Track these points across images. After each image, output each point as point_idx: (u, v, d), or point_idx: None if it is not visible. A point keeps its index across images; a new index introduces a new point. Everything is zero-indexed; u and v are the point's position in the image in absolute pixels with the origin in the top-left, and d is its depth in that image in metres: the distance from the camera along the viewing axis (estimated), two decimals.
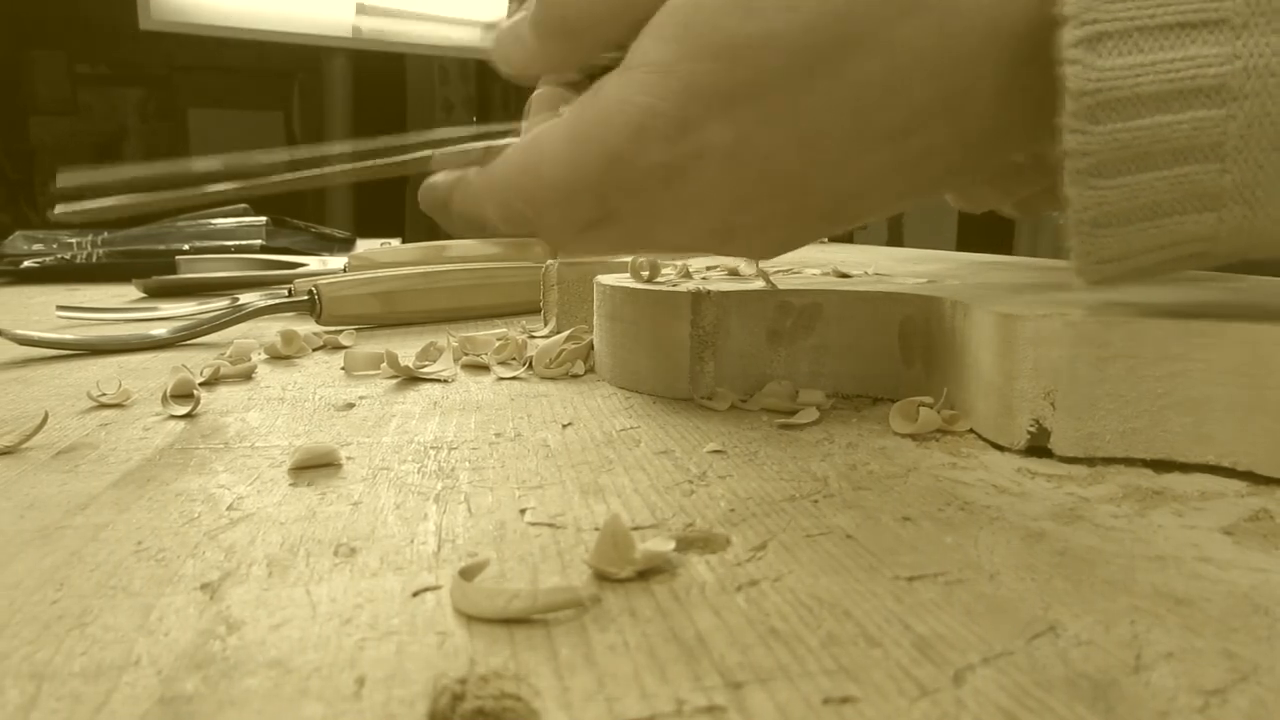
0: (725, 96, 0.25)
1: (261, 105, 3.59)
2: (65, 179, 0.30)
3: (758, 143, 0.26)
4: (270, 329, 0.53)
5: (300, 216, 1.12)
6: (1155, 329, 0.26)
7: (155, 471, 0.26)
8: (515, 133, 0.29)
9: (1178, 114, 0.23)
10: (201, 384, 0.38)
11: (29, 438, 0.29)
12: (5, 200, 3.18)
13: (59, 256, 0.90)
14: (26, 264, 0.88)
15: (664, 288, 0.36)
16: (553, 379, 0.39)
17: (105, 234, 0.94)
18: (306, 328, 0.52)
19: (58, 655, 0.16)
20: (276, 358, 0.45)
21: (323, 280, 0.54)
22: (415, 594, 0.18)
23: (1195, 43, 0.22)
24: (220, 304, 0.61)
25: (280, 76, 3.51)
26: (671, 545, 0.20)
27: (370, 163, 0.31)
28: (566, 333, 0.43)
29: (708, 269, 0.43)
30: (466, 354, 0.43)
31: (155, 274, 0.78)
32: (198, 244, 0.94)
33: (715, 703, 0.14)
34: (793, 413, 0.32)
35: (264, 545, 0.21)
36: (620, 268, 0.43)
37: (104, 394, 0.35)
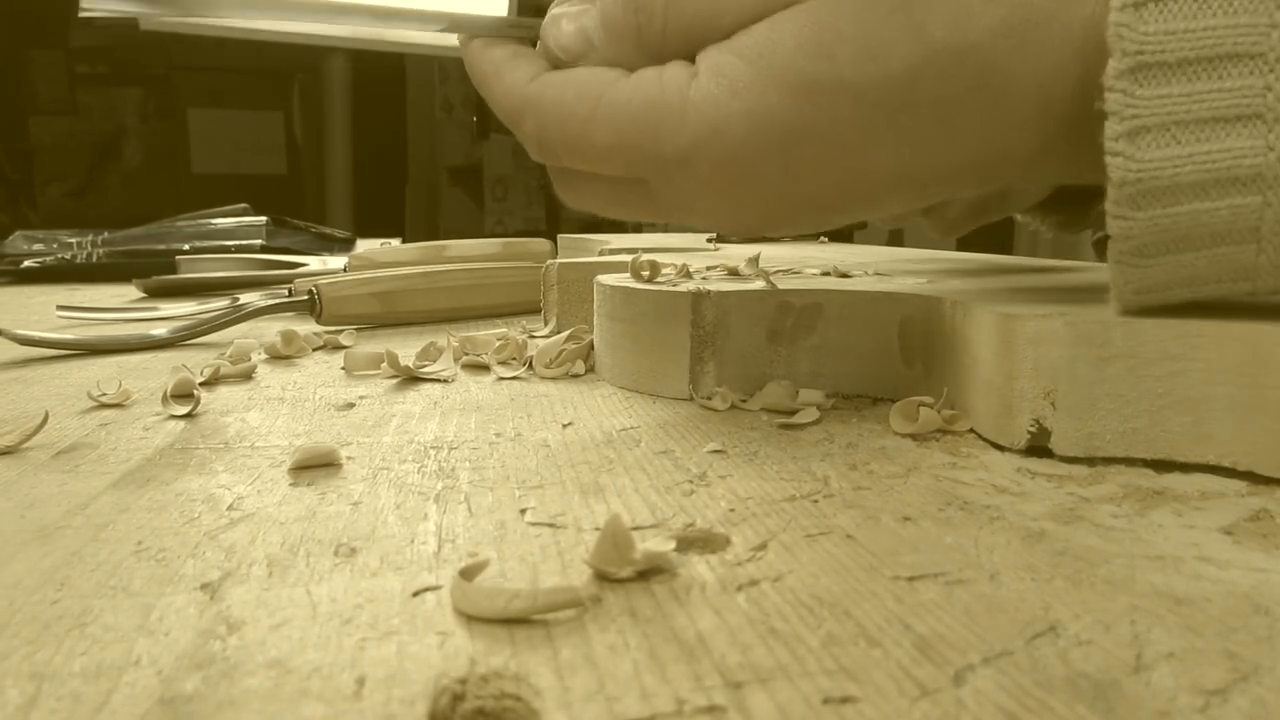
0: (786, 133, 0.26)
1: (261, 105, 3.59)
2: None
3: (805, 179, 0.27)
4: (270, 329, 0.53)
5: (300, 216, 1.12)
6: (1155, 328, 0.26)
7: (155, 471, 0.26)
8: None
9: (1216, 201, 0.24)
10: (201, 384, 0.38)
11: (29, 438, 0.29)
12: (5, 200, 3.18)
13: (59, 256, 0.90)
14: (26, 264, 0.88)
15: (664, 288, 0.36)
16: (553, 379, 0.39)
17: (105, 234, 0.94)
18: (307, 328, 0.52)
19: (58, 655, 0.16)
20: (276, 358, 0.45)
21: (323, 280, 0.54)
22: (415, 594, 0.18)
23: (1231, 135, 0.24)
24: (220, 304, 0.61)
25: (279, 76, 3.51)
26: (672, 545, 0.20)
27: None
28: (567, 332, 0.43)
29: (708, 269, 0.43)
30: (467, 354, 0.43)
31: (155, 274, 0.78)
32: (198, 244, 0.94)
33: (715, 702, 0.14)
34: (793, 412, 0.32)
35: (264, 545, 0.21)
36: (620, 268, 0.43)
37: (104, 394, 0.35)
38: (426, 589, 0.18)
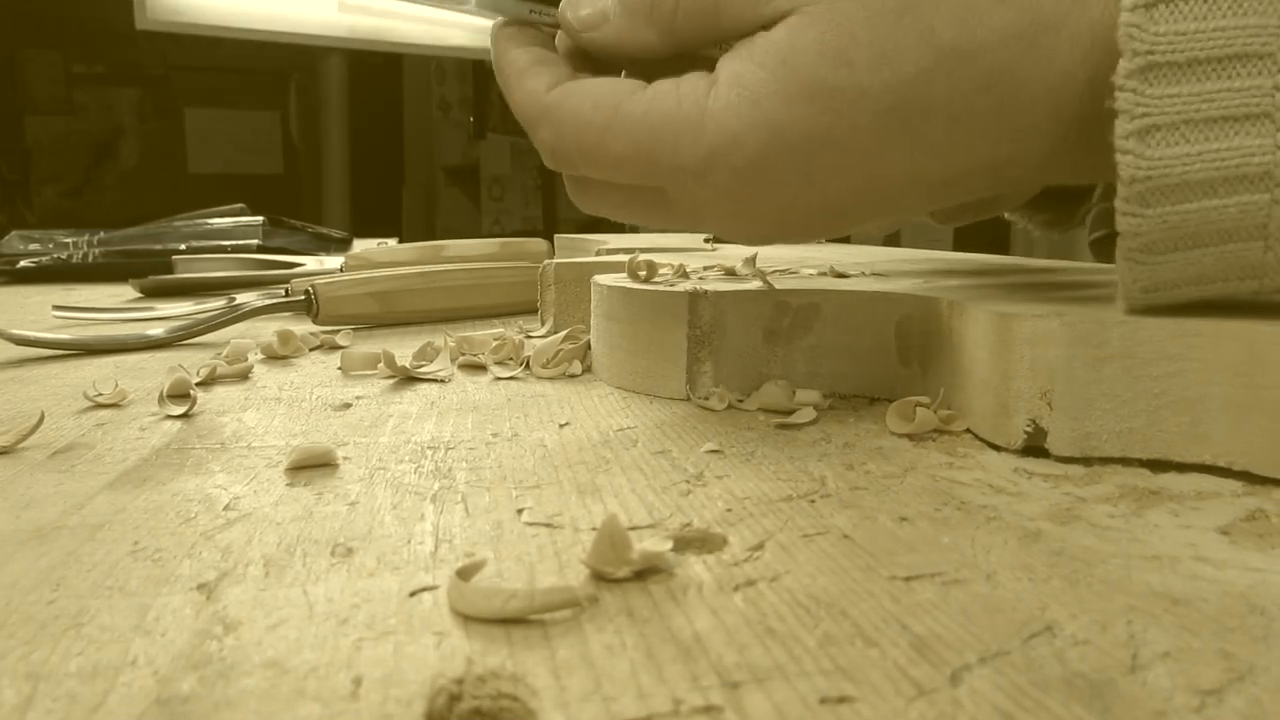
0: (806, 140, 0.27)
1: (258, 105, 3.58)
2: None
3: (822, 185, 0.28)
4: (267, 329, 0.53)
5: (297, 216, 1.12)
6: (1152, 328, 0.26)
7: (152, 471, 0.26)
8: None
9: (1224, 199, 0.25)
10: (198, 384, 0.38)
11: (25, 438, 0.29)
12: (1, 200, 3.18)
13: (55, 256, 0.90)
14: (22, 264, 0.88)
15: (661, 288, 0.36)
16: (550, 379, 0.39)
17: (101, 234, 0.94)
18: (303, 328, 0.52)
19: (54, 655, 0.16)
20: (273, 358, 0.45)
21: (320, 280, 0.54)
22: (412, 594, 0.18)
23: (1240, 134, 0.24)
24: (217, 304, 0.61)
25: (277, 76, 3.51)
26: (669, 545, 0.20)
27: None
28: (564, 333, 0.43)
29: (705, 269, 0.43)
30: (463, 354, 0.43)
31: (151, 274, 0.77)
32: (194, 244, 0.94)
33: (712, 702, 0.14)
34: (790, 413, 0.32)
35: (261, 545, 0.21)
36: (617, 268, 0.43)
37: (100, 394, 0.35)
38: (423, 589, 0.18)
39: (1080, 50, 0.26)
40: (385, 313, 0.55)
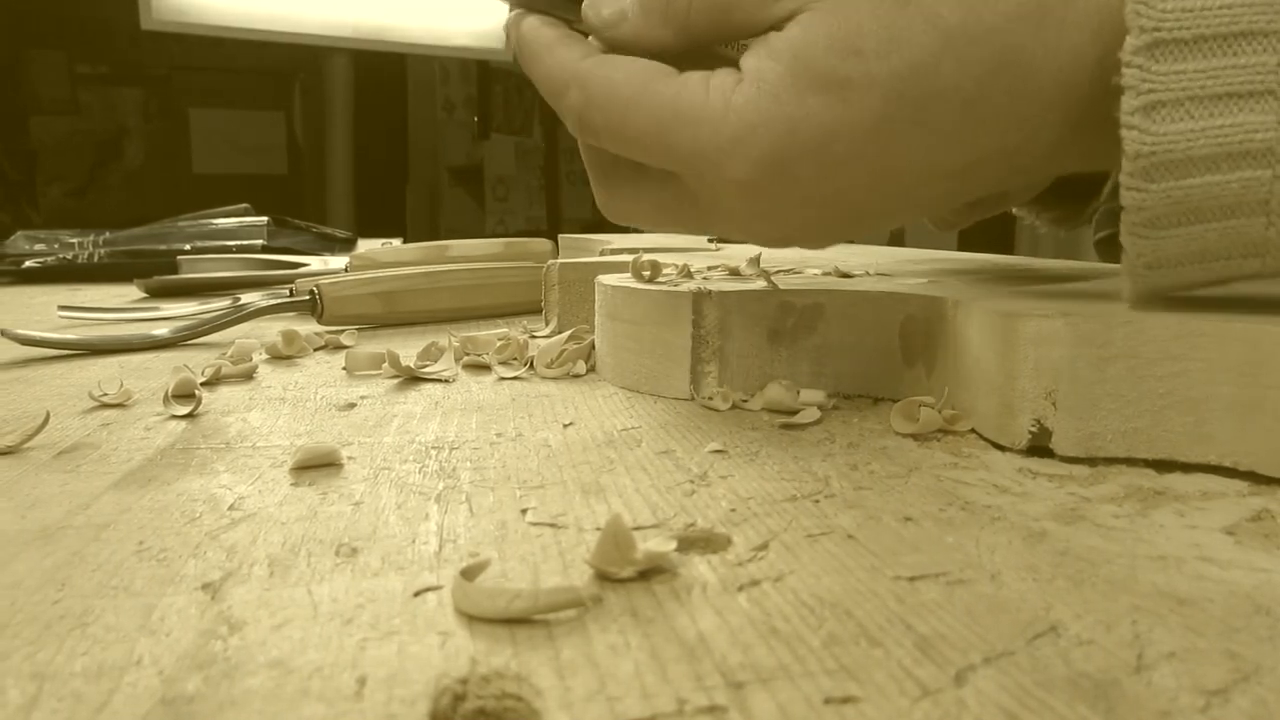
0: (824, 132, 0.27)
1: (262, 105, 3.59)
2: None
3: (836, 178, 0.28)
4: (271, 329, 0.53)
5: (301, 216, 1.12)
6: (1156, 328, 0.26)
7: (157, 471, 0.26)
8: None
9: (1227, 174, 0.25)
10: (203, 384, 0.38)
11: (30, 437, 0.29)
12: (6, 200, 3.18)
13: (60, 256, 0.90)
14: (28, 264, 0.88)
15: (665, 288, 0.36)
16: (554, 379, 0.39)
17: (106, 234, 0.94)
18: (308, 328, 0.52)
19: (59, 655, 0.16)
20: (278, 358, 0.45)
21: (324, 280, 0.54)
22: (417, 594, 0.18)
23: (1244, 111, 0.25)
24: (222, 304, 0.61)
25: (281, 76, 3.51)
26: (673, 545, 0.20)
27: None
28: (568, 333, 0.43)
29: (709, 269, 0.43)
30: (468, 354, 0.43)
31: (157, 274, 0.78)
32: (199, 244, 0.94)
33: (716, 702, 0.14)
34: (794, 412, 0.32)
35: (265, 545, 0.21)
36: (622, 268, 0.43)
37: (105, 394, 0.35)
38: (428, 589, 0.18)
39: (1089, 28, 0.26)
40: (389, 313, 0.55)
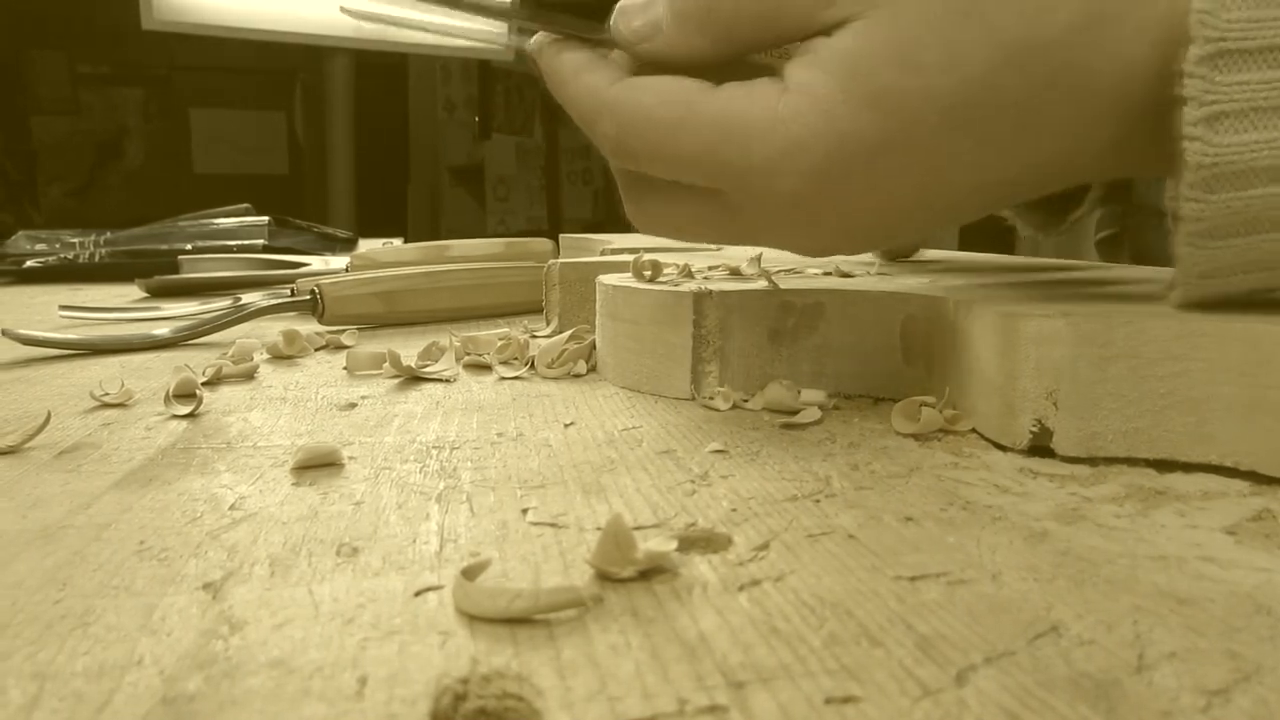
0: (875, 147, 0.27)
1: (263, 105, 3.59)
2: None
3: (888, 188, 0.28)
4: (272, 329, 0.53)
5: (302, 216, 1.12)
6: (1157, 328, 0.26)
7: (158, 471, 0.26)
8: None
9: None
10: (204, 384, 0.38)
11: (32, 437, 0.29)
12: (8, 200, 3.18)
13: (61, 256, 0.90)
14: (29, 264, 0.88)
15: (666, 288, 0.36)
16: (555, 379, 0.39)
17: (107, 234, 0.94)
18: (309, 327, 0.52)
19: (60, 655, 0.16)
20: (279, 357, 0.45)
21: (325, 280, 0.54)
22: (417, 594, 0.18)
23: None
24: (222, 304, 0.61)
25: (282, 76, 3.52)
26: (673, 545, 0.20)
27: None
28: (569, 332, 0.43)
29: (709, 268, 0.43)
30: (469, 354, 0.43)
31: (158, 274, 0.78)
32: (200, 244, 0.94)
33: (717, 702, 0.14)
34: (795, 412, 0.32)
35: (266, 545, 0.21)
36: (622, 268, 0.43)
37: (106, 394, 0.35)
38: (428, 589, 0.18)
39: (1148, 38, 0.26)
40: (390, 313, 0.55)
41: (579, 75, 0.29)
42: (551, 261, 0.49)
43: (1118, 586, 0.18)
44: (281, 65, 3.41)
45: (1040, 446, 0.27)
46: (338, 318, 0.53)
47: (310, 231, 1.07)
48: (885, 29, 0.26)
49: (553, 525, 0.22)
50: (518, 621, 0.17)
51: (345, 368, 0.42)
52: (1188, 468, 0.26)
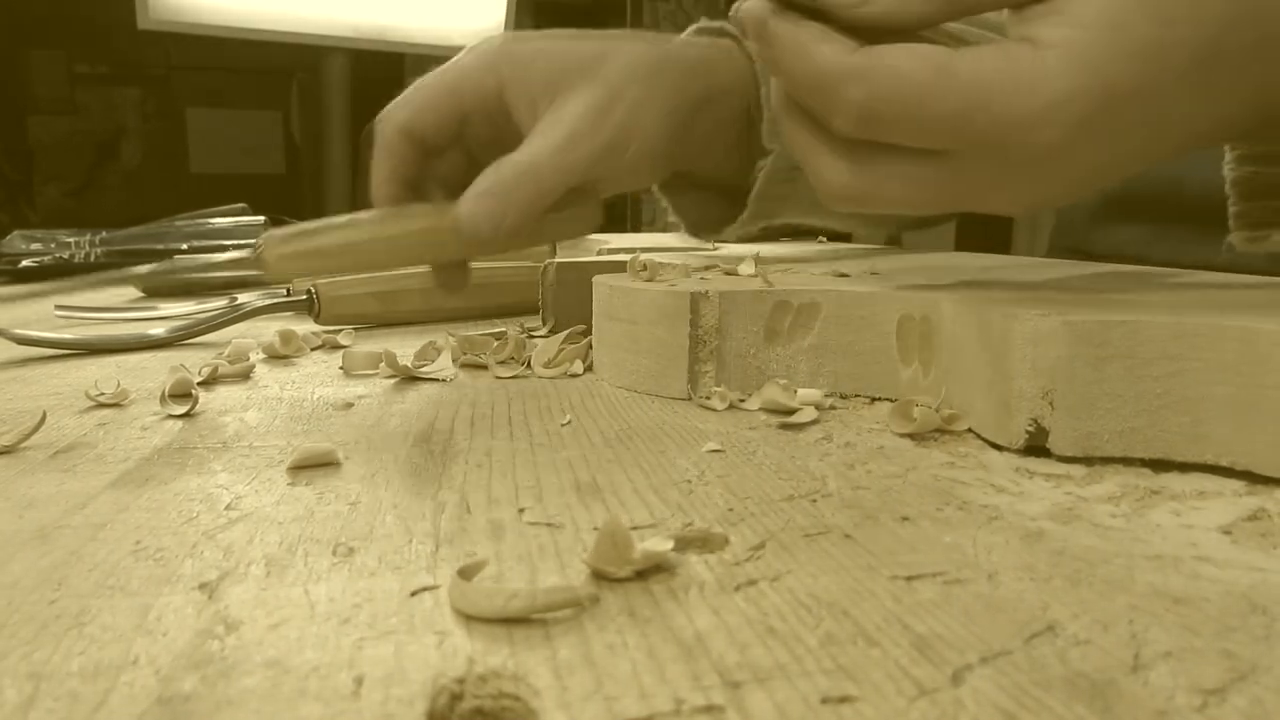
0: (1131, 96, 0.28)
1: (260, 104, 3.58)
2: None
3: (1130, 136, 0.30)
4: (268, 328, 0.53)
5: (299, 216, 1.12)
6: (1153, 328, 0.26)
7: (153, 471, 0.26)
8: None
9: None
10: (200, 383, 0.38)
11: (27, 437, 0.29)
12: (4, 199, 3.18)
13: (57, 256, 0.90)
14: (25, 263, 0.88)
15: (663, 288, 0.36)
16: (551, 378, 0.39)
17: (104, 234, 0.94)
18: (305, 327, 0.52)
19: (56, 655, 0.16)
20: (275, 357, 0.45)
21: (321, 280, 0.54)
22: (413, 594, 0.18)
23: None
24: (218, 303, 0.61)
25: (279, 76, 3.51)
26: (670, 545, 0.20)
27: None
28: (565, 332, 0.43)
29: (706, 268, 0.43)
30: (465, 353, 0.43)
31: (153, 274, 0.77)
32: (196, 243, 0.94)
33: (714, 702, 0.14)
34: (791, 412, 0.32)
35: (262, 545, 0.21)
36: (619, 267, 0.43)
37: (102, 393, 0.35)
38: (424, 589, 0.18)
39: None
40: (386, 312, 0.55)
41: (819, 45, 0.30)
42: (548, 261, 0.49)
43: (1114, 586, 0.18)
44: (278, 65, 3.40)
45: (1036, 446, 0.27)
46: (334, 317, 0.53)
47: None
48: None
49: (549, 525, 0.22)
50: (514, 621, 0.17)
51: (341, 367, 0.42)
52: (1183, 467, 0.26)
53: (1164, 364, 0.26)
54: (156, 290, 0.74)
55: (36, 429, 0.30)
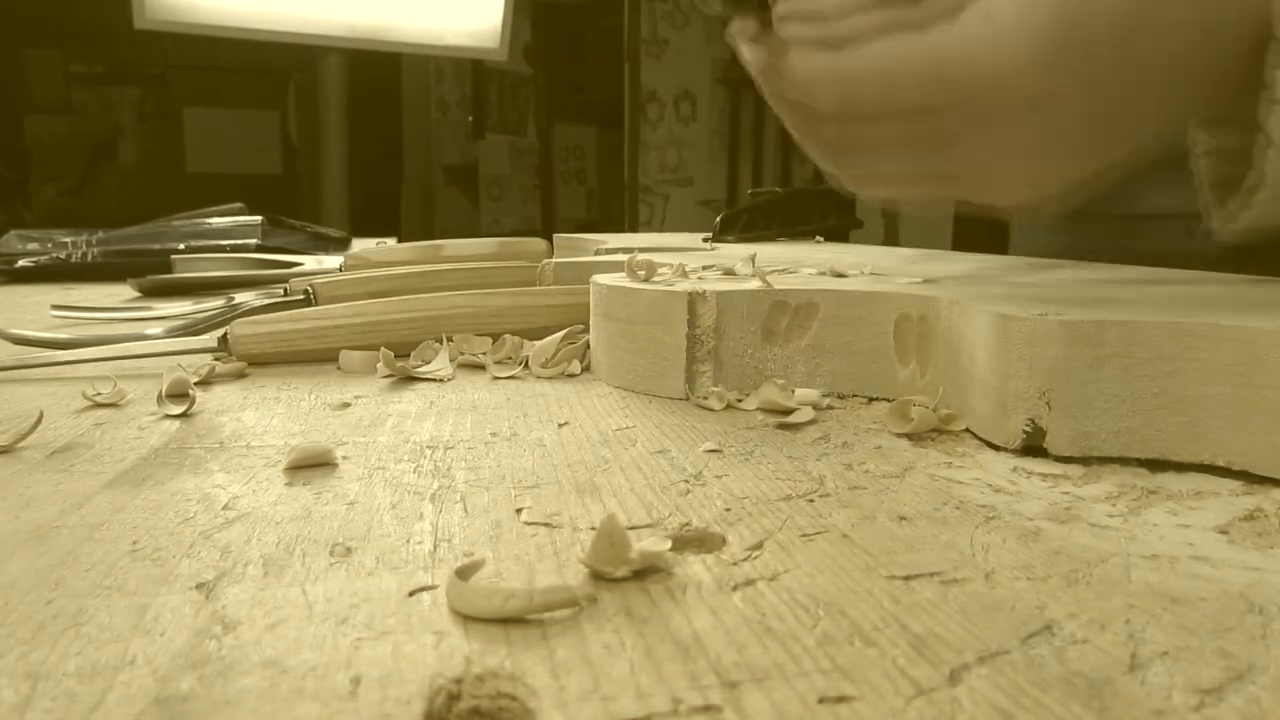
0: (1084, 25, 0.30)
1: (257, 104, 3.58)
2: None
3: (1105, 85, 0.31)
4: None
5: (296, 216, 1.12)
6: (1150, 328, 0.26)
7: (150, 471, 0.26)
8: None
9: None
10: (197, 383, 0.38)
11: (24, 437, 0.29)
12: (1, 200, 3.17)
13: (54, 256, 0.90)
14: (21, 263, 0.88)
15: (660, 288, 0.36)
16: (549, 379, 0.39)
17: (100, 234, 0.94)
18: None
19: (53, 655, 0.16)
20: None
21: (318, 279, 0.54)
22: (411, 593, 0.18)
23: None
24: (216, 303, 0.61)
25: (275, 75, 3.51)
26: (667, 545, 0.20)
27: None
28: (563, 332, 0.43)
29: (704, 268, 0.43)
30: (463, 353, 0.43)
31: (150, 273, 0.77)
32: (193, 243, 0.94)
33: (711, 702, 0.14)
34: (789, 412, 0.32)
35: (260, 545, 0.21)
36: (616, 267, 0.43)
37: (99, 393, 0.35)
38: (422, 589, 0.18)
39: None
40: None
41: (781, 59, 0.32)
42: (545, 261, 0.49)
43: (1110, 586, 0.18)
44: (275, 65, 3.40)
45: (1033, 446, 0.27)
46: None
47: (304, 231, 1.07)
48: None
49: (547, 525, 0.22)
50: (512, 621, 0.17)
51: (339, 367, 0.41)
52: (1180, 467, 0.26)
53: (1161, 364, 0.26)
54: (153, 290, 0.74)
55: (33, 429, 0.30)
